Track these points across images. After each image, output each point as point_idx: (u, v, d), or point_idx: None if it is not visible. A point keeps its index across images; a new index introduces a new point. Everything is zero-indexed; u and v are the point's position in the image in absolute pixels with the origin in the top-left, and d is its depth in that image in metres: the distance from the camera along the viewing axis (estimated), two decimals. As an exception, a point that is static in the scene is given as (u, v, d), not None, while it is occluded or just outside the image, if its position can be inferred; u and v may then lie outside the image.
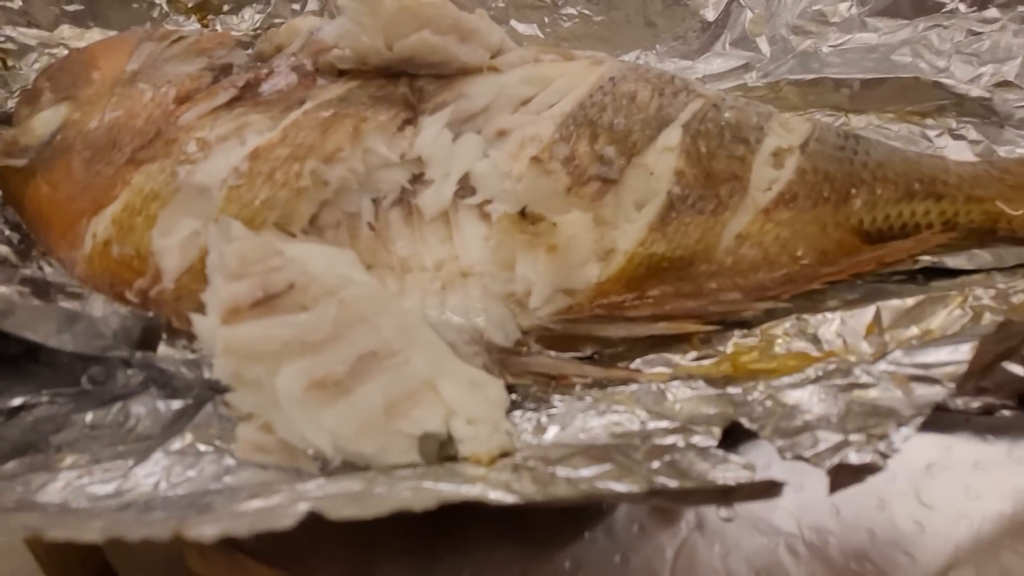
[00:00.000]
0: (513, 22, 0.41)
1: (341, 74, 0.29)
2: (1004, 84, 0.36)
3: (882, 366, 0.20)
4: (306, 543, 0.21)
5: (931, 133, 0.36)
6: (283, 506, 0.15)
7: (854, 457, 0.17)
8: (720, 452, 0.19)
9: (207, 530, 0.13)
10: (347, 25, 0.28)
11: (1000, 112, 0.35)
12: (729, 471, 0.17)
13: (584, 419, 0.22)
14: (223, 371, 0.19)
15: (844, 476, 0.17)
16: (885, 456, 0.16)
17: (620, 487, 0.16)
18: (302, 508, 0.14)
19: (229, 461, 0.21)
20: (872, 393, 0.19)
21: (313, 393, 0.19)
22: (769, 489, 0.16)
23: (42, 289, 0.28)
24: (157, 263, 0.25)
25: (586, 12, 0.40)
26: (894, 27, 0.39)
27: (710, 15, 0.40)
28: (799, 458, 0.18)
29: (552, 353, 0.25)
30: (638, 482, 0.17)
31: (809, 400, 0.20)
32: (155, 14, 0.40)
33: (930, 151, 0.35)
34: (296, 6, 0.41)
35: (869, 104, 0.37)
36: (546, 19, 0.41)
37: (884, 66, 0.37)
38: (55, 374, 0.25)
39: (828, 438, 0.18)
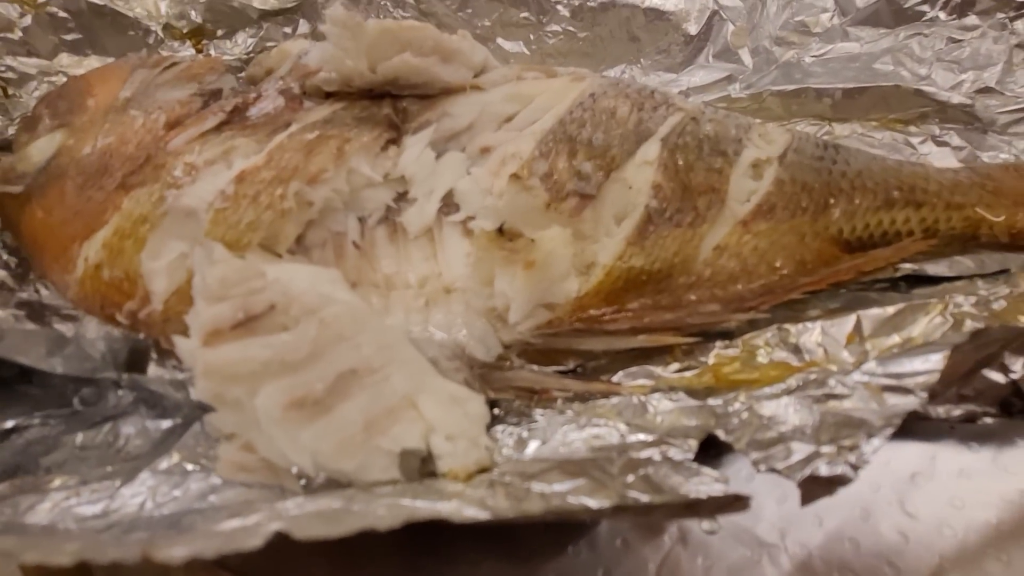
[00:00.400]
0: (499, 40, 0.41)
1: (327, 96, 0.30)
2: (986, 90, 0.36)
3: (856, 376, 0.20)
4: (289, 559, 0.21)
5: (914, 140, 0.36)
6: (258, 525, 0.15)
7: (824, 469, 0.17)
8: (694, 465, 0.19)
9: (176, 552, 0.13)
10: (331, 49, 0.28)
11: (983, 118, 0.35)
12: (702, 484, 0.18)
13: (565, 433, 0.22)
14: (204, 392, 0.19)
15: (816, 488, 0.17)
16: (856, 467, 0.17)
17: (591, 502, 0.17)
18: (272, 527, 0.14)
19: (215, 480, 0.21)
20: (847, 404, 0.19)
21: (292, 412, 0.19)
22: (736, 502, 0.16)
23: (37, 312, 0.29)
24: (146, 285, 0.25)
25: (570, 29, 0.41)
26: (875, 36, 0.39)
27: (692, 28, 0.40)
28: (772, 470, 0.18)
29: (534, 367, 0.25)
30: (610, 496, 0.17)
31: (785, 411, 0.20)
32: (151, 40, 0.41)
33: (914, 158, 0.35)
34: (288, 30, 0.42)
35: (852, 113, 0.37)
36: (531, 36, 0.41)
37: (866, 75, 0.37)
38: (47, 396, 0.25)
39: (801, 450, 0.18)
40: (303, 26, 0.42)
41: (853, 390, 0.20)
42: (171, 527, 0.18)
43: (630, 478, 0.18)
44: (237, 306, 0.20)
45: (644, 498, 0.17)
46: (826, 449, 0.17)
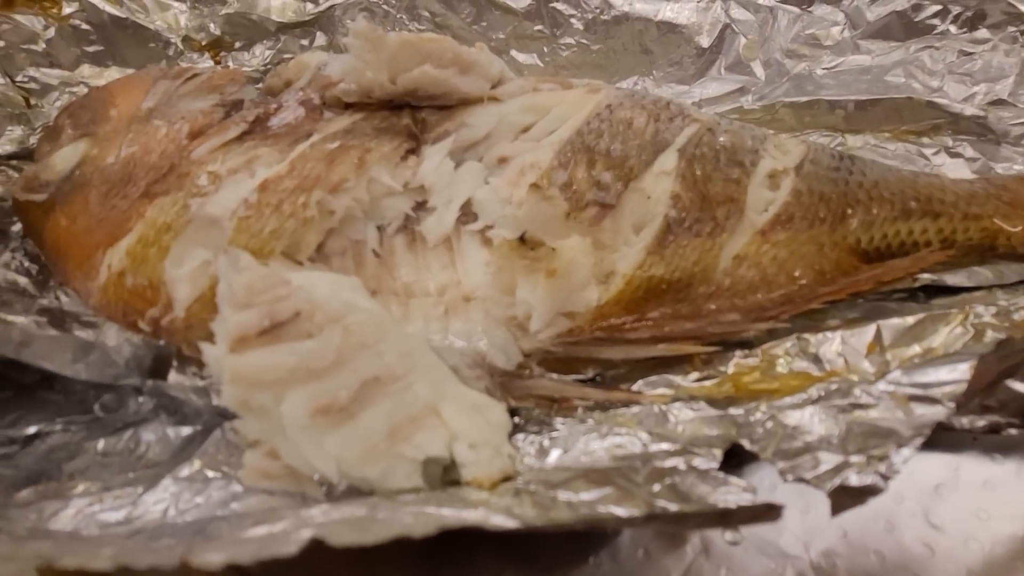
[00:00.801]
0: (513, 52, 0.42)
1: (347, 107, 0.30)
2: (998, 102, 0.36)
3: (882, 386, 0.20)
4: (312, 568, 0.21)
5: (927, 152, 0.36)
6: (287, 532, 0.15)
7: (855, 479, 0.17)
8: (721, 474, 0.19)
9: (213, 557, 0.13)
10: (352, 61, 0.29)
11: (996, 130, 0.35)
12: (730, 493, 0.17)
13: (586, 442, 0.22)
14: (230, 398, 0.19)
15: (845, 498, 0.17)
16: (886, 477, 0.16)
17: (620, 511, 0.16)
18: (305, 535, 0.14)
19: (236, 487, 0.22)
20: (873, 414, 0.19)
21: (318, 419, 0.19)
22: (768, 512, 0.16)
23: (58, 319, 0.29)
24: (169, 293, 0.25)
25: (584, 41, 0.41)
26: (886, 49, 0.40)
27: (705, 41, 0.41)
28: (800, 480, 0.18)
29: (554, 376, 0.25)
30: (638, 506, 0.17)
31: (810, 421, 0.20)
32: (171, 52, 0.42)
33: (927, 169, 0.35)
34: (304, 42, 0.43)
35: (864, 124, 0.37)
36: (545, 49, 0.42)
37: (878, 87, 0.38)
38: (69, 402, 0.26)
39: (829, 459, 0.18)
40: (320, 38, 0.43)
41: (879, 400, 0.20)
42: (197, 534, 0.18)
43: (656, 487, 0.18)
44: (263, 313, 0.20)
45: (673, 507, 0.17)
46: (855, 459, 0.17)
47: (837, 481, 0.17)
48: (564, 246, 0.25)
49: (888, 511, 0.22)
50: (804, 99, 0.38)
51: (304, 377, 0.20)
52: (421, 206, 0.28)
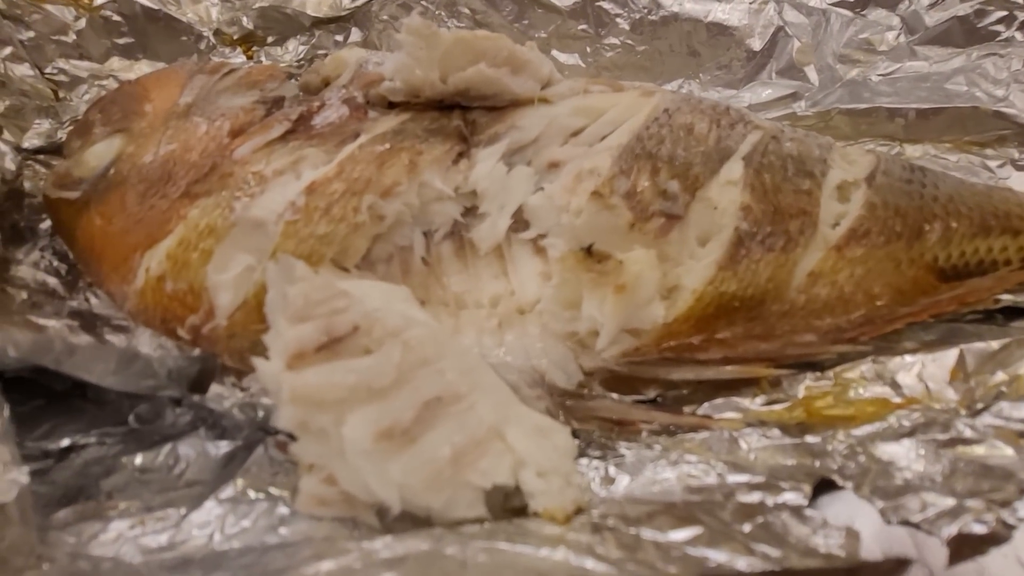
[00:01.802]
0: (555, 52, 0.40)
1: (391, 106, 0.29)
2: (1068, 114, 0.34)
3: (987, 419, 0.19)
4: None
5: (992, 164, 0.35)
6: (358, 572, 0.14)
7: (977, 527, 0.15)
8: (818, 514, 0.17)
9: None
10: (402, 58, 0.27)
11: (1065, 143, 0.34)
12: (831, 537, 0.16)
13: (655, 469, 0.21)
14: (289, 420, 0.18)
15: (965, 547, 0.15)
16: (1010, 527, 0.15)
17: (719, 556, 0.15)
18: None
19: (283, 510, 0.20)
20: (979, 450, 0.18)
21: (382, 443, 0.18)
22: (897, 568, 0.14)
23: (89, 322, 0.28)
24: (211, 299, 0.24)
25: (629, 42, 0.40)
26: (945, 56, 0.38)
27: (756, 44, 0.39)
28: (907, 523, 0.16)
29: (615, 396, 0.24)
30: (737, 549, 0.15)
31: (907, 456, 0.19)
32: (202, 46, 0.40)
33: (992, 182, 0.33)
34: (339, 38, 0.42)
35: (924, 134, 0.36)
36: (588, 49, 0.40)
37: (939, 95, 0.36)
38: (102, 412, 0.24)
39: (938, 502, 0.17)
40: (355, 34, 0.42)
41: (984, 435, 0.18)
42: (252, 567, 0.17)
43: (747, 527, 0.17)
44: (321, 328, 0.19)
45: (775, 552, 0.15)
46: (972, 503, 0.16)
47: (954, 528, 0.15)
48: (631, 259, 0.23)
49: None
50: (862, 106, 0.36)
51: (365, 397, 0.18)
52: (470, 211, 0.27)
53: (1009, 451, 0.17)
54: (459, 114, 0.29)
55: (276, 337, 0.19)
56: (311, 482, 0.18)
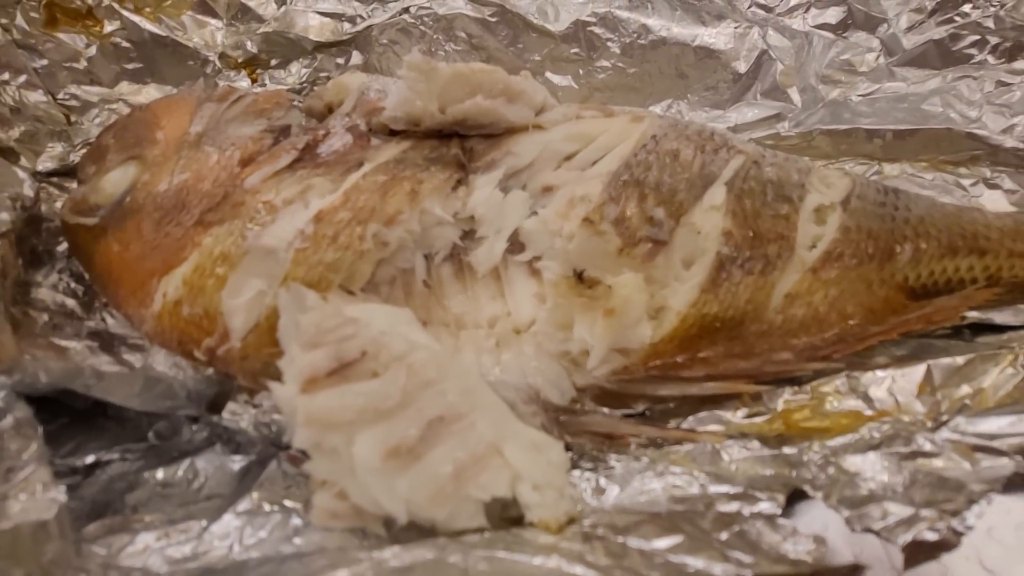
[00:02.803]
0: (548, 74, 0.42)
1: (392, 134, 0.31)
2: (1037, 134, 0.36)
3: (945, 434, 0.20)
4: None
5: (965, 182, 0.36)
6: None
7: (929, 534, 0.17)
8: (789, 523, 0.19)
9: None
10: (404, 91, 0.29)
11: (1034, 162, 0.36)
12: (799, 544, 0.18)
13: (643, 480, 0.23)
14: (304, 440, 0.19)
15: (919, 553, 0.17)
16: (959, 533, 0.17)
17: (696, 562, 0.17)
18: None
19: (295, 521, 0.22)
20: (937, 463, 0.20)
21: (389, 461, 0.19)
22: (853, 572, 0.16)
23: (107, 342, 0.29)
24: (225, 323, 0.26)
25: (620, 65, 0.42)
26: (922, 77, 0.40)
27: (742, 67, 0.41)
28: (868, 531, 0.18)
29: (606, 410, 0.25)
30: (713, 556, 0.17)
31: (872, 468, 0.20)
32: (208, 70, 0.42)
33: (965, 200, 0.35)
34: (340, 60, 0.43)
35: (901, 153, 0.38)
36: (580, 71, 0.42)
37: (915, 116, 0.38)
38: (123, 430, 0.26)
39: (897, 511, 0.18)
40: (356, 57, 0.43)
41: (942, 449, 0.20)
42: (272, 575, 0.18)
43: (724, 535, 0.18)
44: (331, 354, 0.20)
45: (747, 558, 0.17)
46: (926, 512, 0.18)
47: (909, 535, 0.17)
48: (619, 283, 0.25)
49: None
50: (843, 127, 0.38)
51: (373, 418, 0.20)
52: (468, 235, 0.29)
53: (965, 464, 0.19)
54: (457, 142, 0.30)
55: (290, 363, 0.21)
56: (324, 497, 0.20)
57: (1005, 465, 0.18)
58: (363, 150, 0.30)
